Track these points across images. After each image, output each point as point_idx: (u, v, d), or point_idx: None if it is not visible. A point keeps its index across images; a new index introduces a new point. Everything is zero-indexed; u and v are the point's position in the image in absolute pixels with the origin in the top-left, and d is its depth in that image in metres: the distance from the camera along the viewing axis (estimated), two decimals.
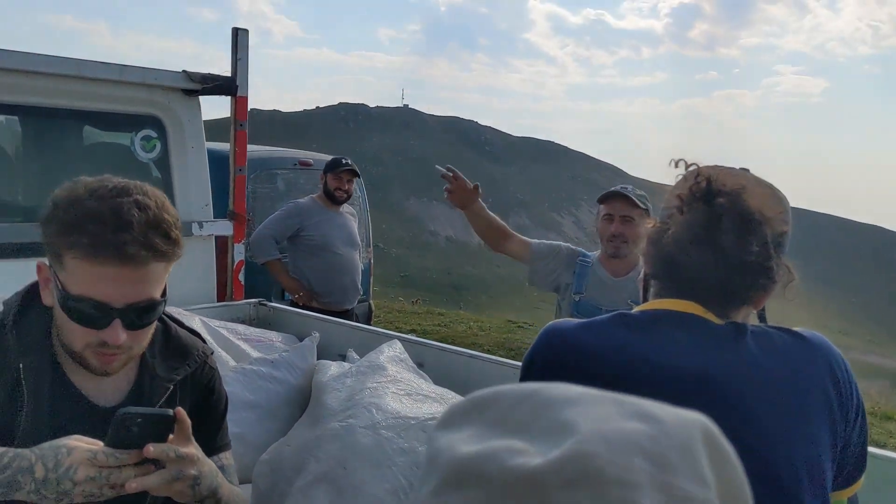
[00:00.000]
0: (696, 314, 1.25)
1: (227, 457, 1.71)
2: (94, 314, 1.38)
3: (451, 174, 3.04)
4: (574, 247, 3.37)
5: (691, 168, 1.29)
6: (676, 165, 1.33)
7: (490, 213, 3.23)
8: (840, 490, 1.29)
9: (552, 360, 1.30)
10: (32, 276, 1.53)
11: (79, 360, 1.46)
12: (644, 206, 3.08)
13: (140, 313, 1.42)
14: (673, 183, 1.33)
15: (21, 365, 1.45)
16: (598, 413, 0.44)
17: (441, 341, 6.71)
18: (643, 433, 0.43)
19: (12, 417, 1.44)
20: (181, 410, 1.36)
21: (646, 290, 1.37)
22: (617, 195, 3.13)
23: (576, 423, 0.42)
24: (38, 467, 1.26)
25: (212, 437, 1.68)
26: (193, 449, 1.40)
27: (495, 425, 0.45)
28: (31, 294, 1.54)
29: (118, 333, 1.39)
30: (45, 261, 1.43)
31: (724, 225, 1.19)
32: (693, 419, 0.47)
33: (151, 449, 1.31)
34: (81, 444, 1.28)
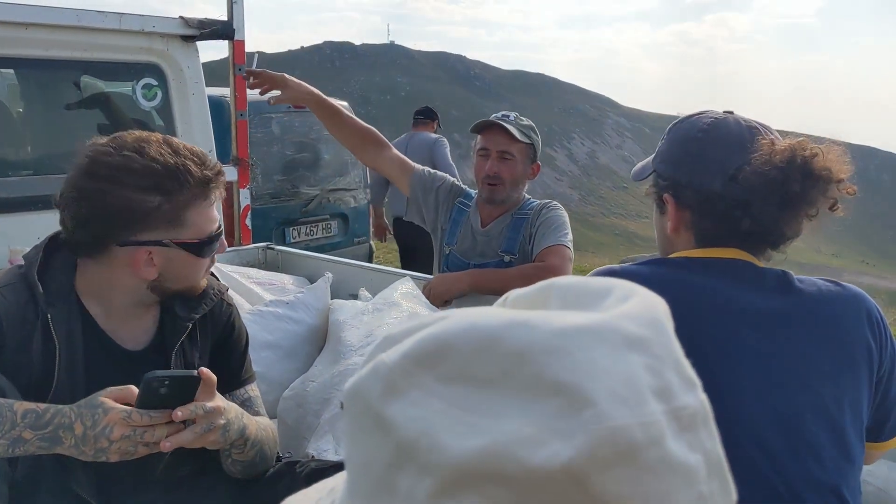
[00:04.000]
0: (745, 260, 1.28)
1: (252, 388, 1.79)
2: (215, 243, 1.60)
3: (247, 71, 2.71)
4: (460, 184, 2.82)
5: (800, 140, 1.26)
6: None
7: (347, 113, 2.78)
8: (885, 441, 1.33)
9: None
10: (45, 229, 1.61)
11: (191, 293, 1.65)
12: (529, 140, 2.58)
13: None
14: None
15: (50, 315, 1.50)
16: (593, 363, 0.37)
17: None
18: (643, 367, 0.38)
19: (49, 366, 1.50)
20: (204, 370, 1.44)
21: (671, 237, 1.37)
22: (493, 126, 2.58)
23: (580, 385, 0.36)
24: (78, 425, 1.33)
25: (237, 371, 1.75)
26: (219, 401, 1.47)
27: (454, 384, 0.38)
28: (51, 247, 1.59)
29: (225, 247, 1.66)
30: (126, 248, 1.50)
31: (798, 182, 1.21)
32: (658, 312, 0.42)
33: (180, 413, 1.39)
34: (116, 404, 1.35)
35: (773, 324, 1.20)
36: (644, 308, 0.42)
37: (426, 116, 6.18)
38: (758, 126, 1.30)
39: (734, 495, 0.42)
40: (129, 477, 1.57)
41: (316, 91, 2.77)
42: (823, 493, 1.14)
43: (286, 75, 2.73)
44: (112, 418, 1.33)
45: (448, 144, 5.94)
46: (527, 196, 2.73)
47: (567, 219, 2.62)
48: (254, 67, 2.75)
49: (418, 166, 2.83)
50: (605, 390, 0.36)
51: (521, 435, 0.36)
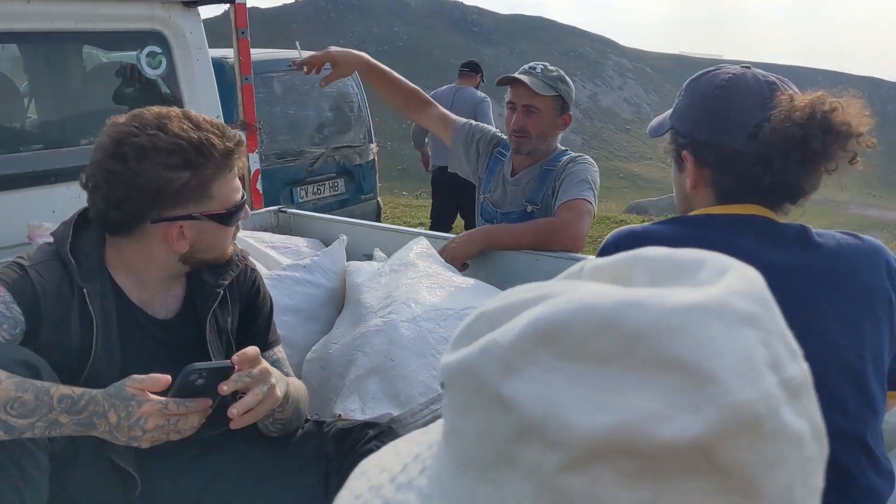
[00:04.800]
0: (764, 216, 1.29)
1: (280, 350, 1.83)
2: (240, 211, 1.64)
3: (296, 63, 2.76)
4: (500, 135, 2.85)
5: (819, 94, 1.25)
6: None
7: (394, 73, 2.82)
8: None
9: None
10: (59, 203, 1.65)
11: (221, 260, 1.70)
12: (556, 92, 2.59)
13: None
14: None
15: (85, 290, 1.54)
16: (711, 340, 0.38)
17: (451, 232, 6.76)
18: (757, 341, 0.40)
19: (87, 341, 1.53)
20: (237, 359, 1.46)
21: (690, 194, 1.37)
22: (515, 81, 2.62)
23: (701, 363, 0.38)
24: (112, 414, 1.36)
25: (264, 335, 1.80)
26: (265, 364, 1.52)
27: (573, 362, 0.39)
28: (79, 223, 1.61)
29: (248, 213, 1.70)
30: (158, 225, 1.54)
31: (819, 139, 1.21)
32: (762, 286, 0.45)
33: (225, 388, 1.43)
34: (150, 396, 1.38)
35: (794, 279, 1.22)
36: (748, 283, 0.44)
37: (471, 69, 6.48)
38: (776, 81, 1.30)
39: (827, 454, 0.44)
40: (167, 444, 1.62)
41: (363, 56, 2.80)
42: (849, 443, 1.18)
43: (331, 50, 2.75)
44: (147, 410, 1.36)
45: (491, 104, 6.23)
46: (560, 147, 2.71)
47: (593, 173, 2.58)
48: (300, 56, 2.80)
49: (460, 120, 2.90)
50: (727, 366, 0.38)
51: (649, 410, 0.37)
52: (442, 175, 6.20)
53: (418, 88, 2.90)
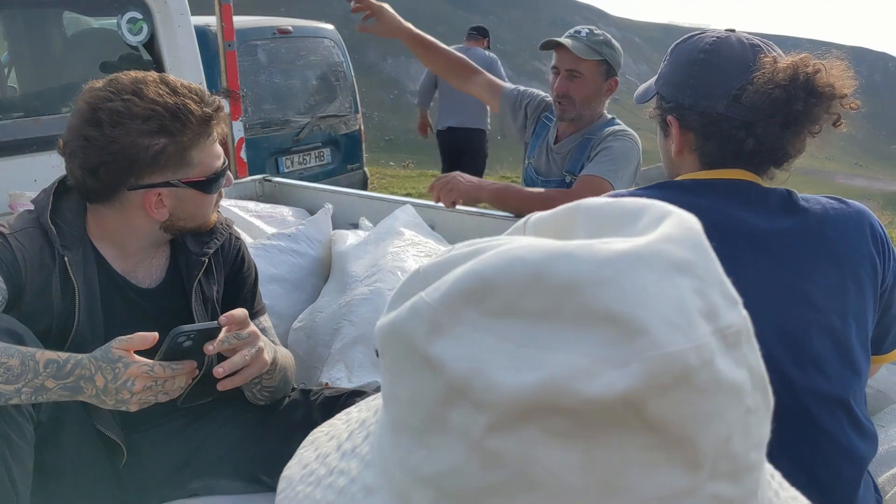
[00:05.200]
0: (750, 180, 1.29)
1: (266, 319, 1.82)
2: (221, 178, 1.61)
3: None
4: (549, 98, 2.74)
5: (803, 56, 1.24)
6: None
7: (438, 44, 2.79)
8: (887, 353, 1.37)
9: None
10: (41, 171, 1.62)
11: (203, 228, 1.67)
12: (600, 56, 2.52)
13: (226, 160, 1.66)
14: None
15: (66, 258, 1.52)
16: (642, 290, 0.37)
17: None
18: (691, 290, 0.38)
19: (69, 309, 1.52)
20: (224, 319, 1.45)
21: (675, 160, 1.38)
22: (559, 45, 2.55)
23: (631, 314, 0.36)
24: (99, 378, 1.34)
25: (249, 304, 1.78)
26: (253, 327, 1.51)
27: (502, 318, 0.38)
28: (59, 191, 1.59)
29: (231, 181, 1.67)
30: (136, 192, 1.52)
31: (802, 101, 1.20)
32: (698, 232, 0.42)
33: (211, 348, 1.42)
34: (136, 358, 1.36)
35: (779, 243, 1.22)
36: (684, 229, 0.41)
37: (479, 33, 6.76)
38: (760, 44, 1.29)
39: (772, 404, 0.43)
40: (152, 411, 1.62)
41: (408, 25, 2.76)
42: (831, 405, 1.19)
43: (384, 6, 2.70)
44: (133, 372, 1.35)
45: (501, 65, 6.50)
46: (607, 116, 2.63)
47: (628, 152, 2.49)
48: None
49: (508, 85, 2.86)
50: (657, 317, 0.36)
51: (576, 367, 0.36)
52: (448, 136, 6.49)
53: (463, 57, 2.90)
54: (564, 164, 2.61)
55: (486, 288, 0.38)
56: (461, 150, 6.39)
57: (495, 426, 0.37)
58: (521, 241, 0.41)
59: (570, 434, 0.36)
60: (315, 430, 0.51)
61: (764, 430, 0.41)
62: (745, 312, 0.41)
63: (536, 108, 2.77)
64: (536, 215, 0.48)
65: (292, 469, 0.47)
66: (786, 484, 0.48)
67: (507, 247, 0.40)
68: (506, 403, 0.36)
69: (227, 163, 1.64)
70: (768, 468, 0.45)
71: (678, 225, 0.41)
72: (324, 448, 0.47)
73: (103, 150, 1.46)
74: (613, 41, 2.61)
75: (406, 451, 0.41)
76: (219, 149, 1.61)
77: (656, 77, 1.41)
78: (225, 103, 3.31)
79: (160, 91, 1.48)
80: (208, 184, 1.58)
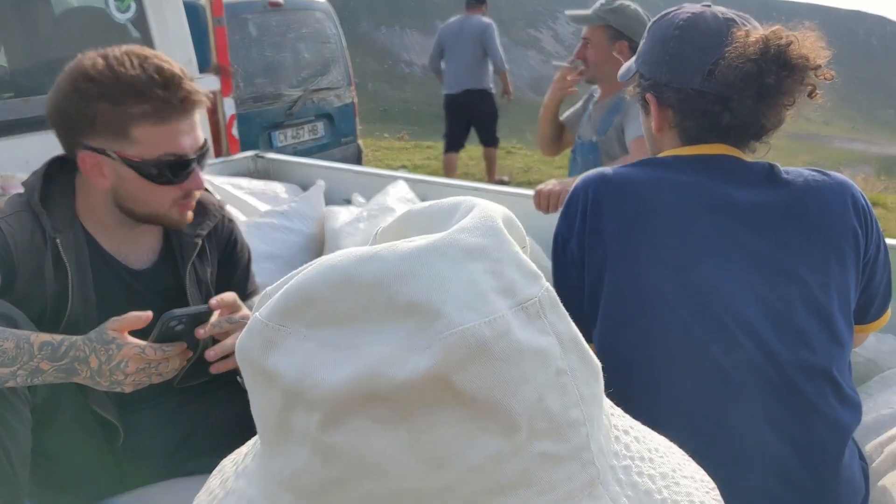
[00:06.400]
0: (731, 155, 1.30)
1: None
2: (177, 170, 1.52)
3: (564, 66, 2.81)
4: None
5: (775, 29, 1.24)
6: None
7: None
8: (871, 323, 1.39)
9: (597, 197, 1.30)
10: (31, 153, 1.61)
11: (159, 221, 1.60)
12: (603, 21, 2.66)
13: (204, 156, 1.58)
14: None
15: (58, 241, 1.52)
16: (437, 278, 0.40)
17: (433, 174, 6.74)
18: (484, 272, 0.42)
19: (62, 292, 1.52)
20: (214, 302, 1.46)
21: (657, 136, 1.38)
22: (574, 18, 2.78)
23: (429, 301, 0.40)
24: (93, 359, 1.35)
25: (243, 285, 1.79)
26: (245, 310, 1.52)
27: (322, 327, 0.42)
28: (49, 172, 1.59)
29: (201, 178, 1.57)
30: (85, 151, 1.50)
31: (773, 73, 1.21)
32: (494, 219, 0.45)
33: (202, 332, 1.42)
34: (129, 339, 1.37)
35: (761, 217, 1.23)
36: (480, 218, 0.45)
37: (478, 1, 7.15)
38: (735, 17, 1.29)
39: (596, 364, 0.46)
40: (148, 392, 1.63)
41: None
42: (815, 377, 1.20)
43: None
44: (126, 353, 1.35)
45: (496, 30, 7.01)
46: None
47: None
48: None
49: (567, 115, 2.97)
50: (451, 300, 0.40)
51: (384, 357, 0.39)
52: (454, 99, 6.99)
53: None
54: (596, 124, 2.74)
55: (306, 299, 0.42)
56: (475, 112, 6.99)
57: (327, 422, 0.40)
58: (343, 251, 0.45)
59: (392, 419, 0.40)
60: (224, 459, 0.53)
61: (585, 388, 0.45)
62: (547, 285, 0.44)
63: (586, 100, 2.93)
64: (381, 227, 0.52)
65: (200, 499, 0.50)
66: (641, 428, 0.50)
67: (326, 258, 0.44)
68: (331, 399, 0.40)
69: (187, 159, 1.53)
70: (621, 423, 0.49)
71: (475, 216, 0.45)
72: (227, 472, 0.50)
73: (55, 108, 1.49)
74: (628, 8, 2.69)
75: (268, 460, 0.45)
76: (179, 141, 1.51)
77: (636, 55, 1.41)
78: (216, 80, 3.30)
79: (125, 61, 1.46)
80: (146, 167, 1.50)
